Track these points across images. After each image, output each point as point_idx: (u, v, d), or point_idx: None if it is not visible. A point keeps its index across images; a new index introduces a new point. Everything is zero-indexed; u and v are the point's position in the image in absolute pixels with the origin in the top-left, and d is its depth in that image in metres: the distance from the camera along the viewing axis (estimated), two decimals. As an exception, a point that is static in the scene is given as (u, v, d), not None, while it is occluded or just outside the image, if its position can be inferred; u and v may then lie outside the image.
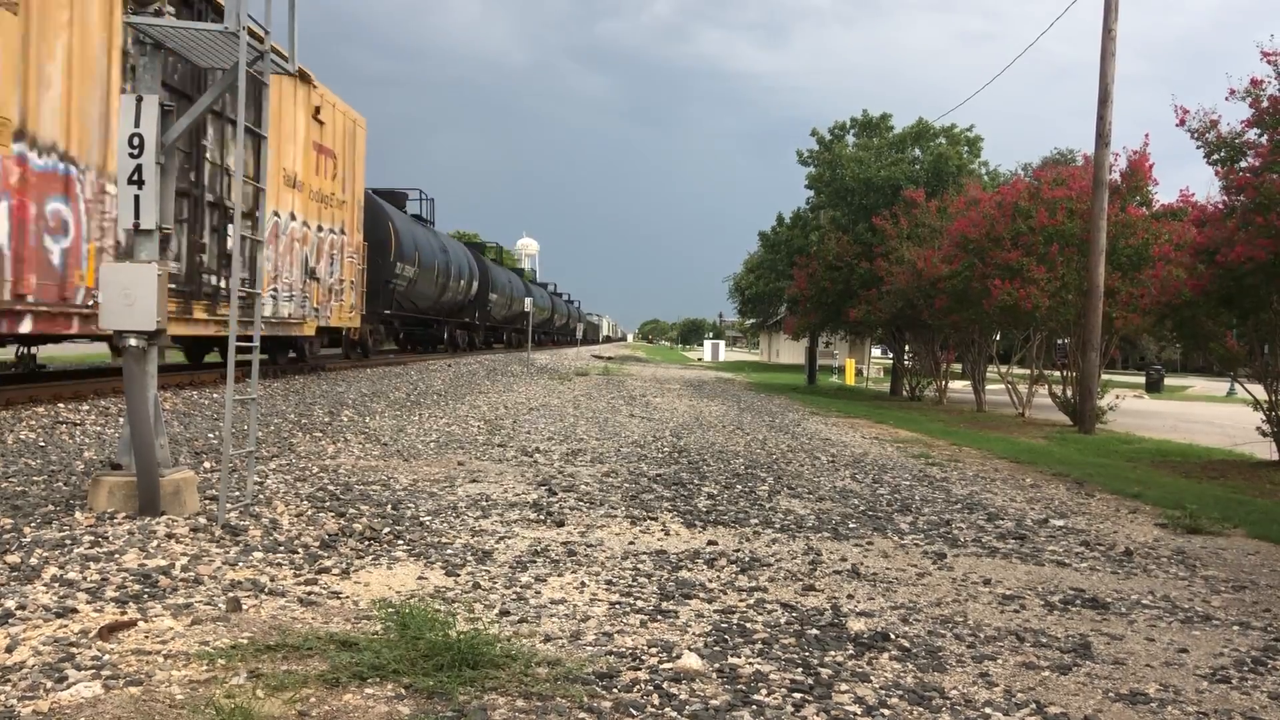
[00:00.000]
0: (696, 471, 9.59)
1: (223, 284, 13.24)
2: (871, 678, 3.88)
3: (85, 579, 4.51)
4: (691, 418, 16.24)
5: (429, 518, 6.55)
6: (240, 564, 5.00)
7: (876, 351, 48.58)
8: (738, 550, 6.12)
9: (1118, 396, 21.18)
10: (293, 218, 16.07)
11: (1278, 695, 3.95)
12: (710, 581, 5.30)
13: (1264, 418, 13.88)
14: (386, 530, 6.04)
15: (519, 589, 4.92)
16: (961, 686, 3.85)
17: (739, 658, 4.03)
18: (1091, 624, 4.87)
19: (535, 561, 5.53)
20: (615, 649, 4.06)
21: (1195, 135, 13.77)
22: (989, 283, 19.79)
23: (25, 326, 9.66)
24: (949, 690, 3.79)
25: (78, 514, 5.74)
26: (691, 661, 3.87)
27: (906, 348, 29.83)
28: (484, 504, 7.19)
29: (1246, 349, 14.48)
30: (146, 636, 3.86)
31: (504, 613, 4.50)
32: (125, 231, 5.98)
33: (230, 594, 4.46)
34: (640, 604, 4.77)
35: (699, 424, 15.11)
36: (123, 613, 4.12)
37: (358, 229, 20.40)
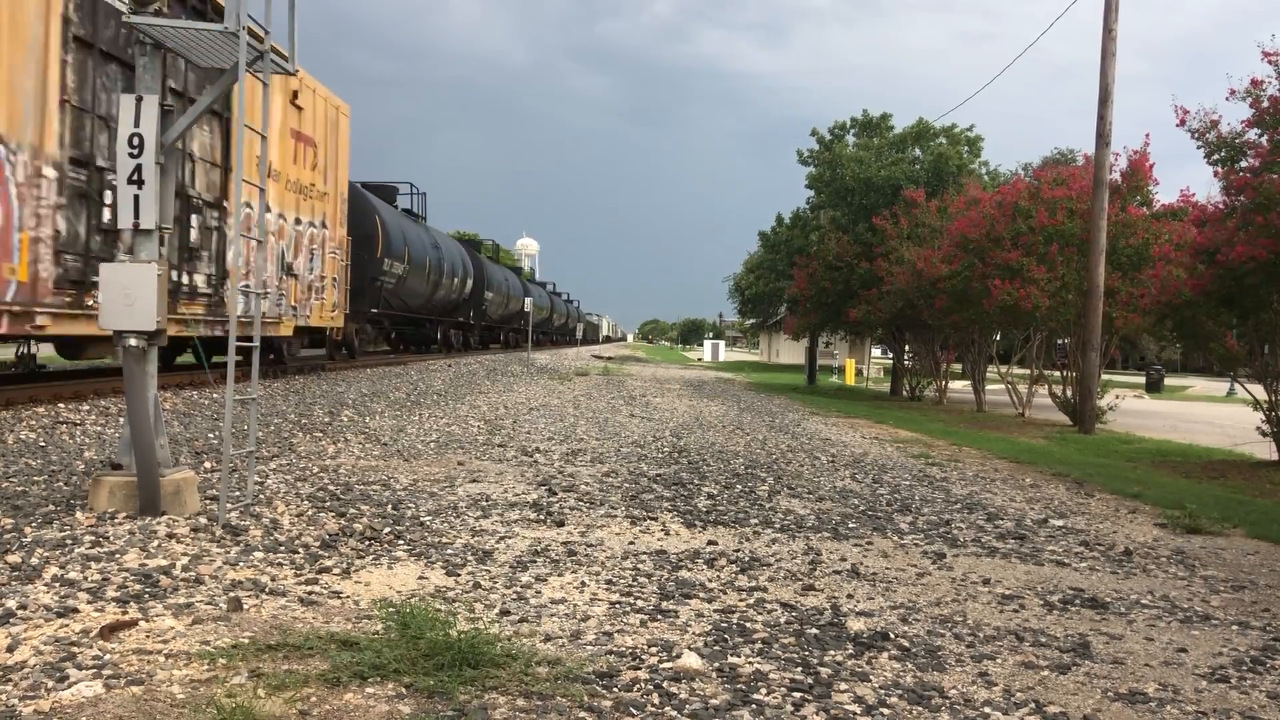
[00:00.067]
0: (696, 471, 9.60)
1: (185, 279, 12.37)
2: (871, 677, 3.88)
3: (86, 579, 4.52)
4: (691, 418, 16.25)
5: (429, 518, 6.56)
6: (241, 564, 5.00)
7: (876, 351, 48.60)
8: (738, 550, 6.12)
9: (1118, 396, 21.19)
10: (267, 209, 15.10)
11: (1276, 695, 3.95)
12: (710, 581, 5.31)
13: (1264, 418, 13.89)
14: (387, 530, 6.05)
15: (519, 589, 4.93)
16: (961, 686, 3.85)
17: (739, 657, 4.04)
18: (1091, 624, 4.88)
19: (535, 561, 5.53)
20: (615, 648, 4.06)
21: (1195, 135, 13.77)
22: (989, 283, 19.80)
23: None
24: (948, 690, 3.80)
25: (78, 514, 5.75)
26: (691, 661, 3.88)
27: (906, 348, 29.83)
28: (484, 504, 7.20)
29: (1246, 349, 14.48)
30: (147, 636, 3.86)
31: (504, 612, 4.50)
32: (126, 230, 5.97)
33: (231, 594, 4.46)
34: (640, 604, 4.77)
35: (699, 424, 15.11)
36: (124, 612, 4.13)
37: (341, 223, 19.31)
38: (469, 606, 4.55)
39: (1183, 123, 13.88)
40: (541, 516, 6.85)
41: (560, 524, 6.65)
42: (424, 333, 32.01)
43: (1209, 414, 26.65)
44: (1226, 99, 13.30)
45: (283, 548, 5.39)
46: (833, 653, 4.16)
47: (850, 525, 7.18)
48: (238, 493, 6.68)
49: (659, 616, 4.58)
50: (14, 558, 4.74)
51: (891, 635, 4.44)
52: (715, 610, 4.74)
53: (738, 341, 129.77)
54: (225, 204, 13.43)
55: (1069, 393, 20.13)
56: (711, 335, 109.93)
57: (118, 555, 4.92)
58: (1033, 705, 3.68)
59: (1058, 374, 22.11)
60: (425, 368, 24.21)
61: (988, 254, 20.39)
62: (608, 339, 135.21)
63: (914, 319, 25.35)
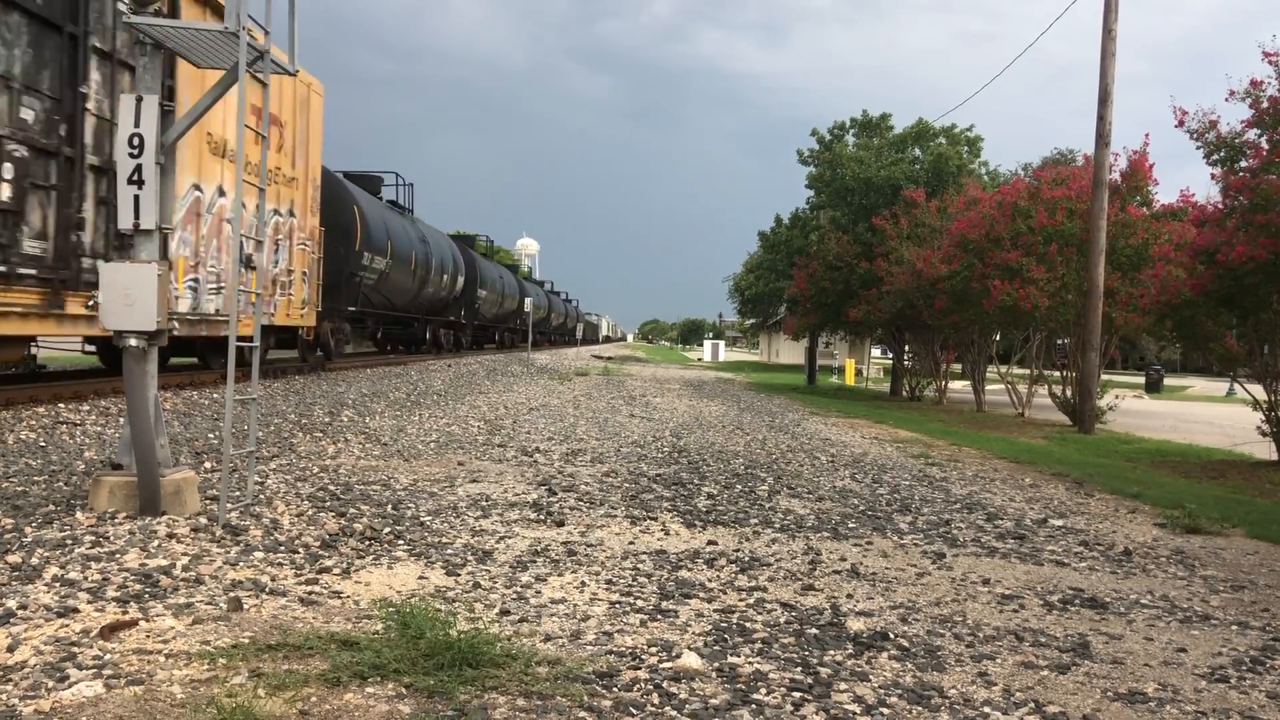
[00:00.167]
0: (696, 471, 9.60)
1: None
2: (871, 677, 3.89)
3: (86, 579, 4.52)
4: (691, 418, 16.25)
5: (429, 517, 6.56)
6: (241, 564, 5.01)
7: (876, 351, 48.60)
8: (737, 550, 6.12)
9: (1117, 396, 21.19)
10: (221, 194, 13.56)
11: (1276, 695, 3.96)
12: (710, 581, 5.31)
13: (1263, 418, 13.89)
14: (387, 530, 6.05)
15: (519, 589, 4.93)
16: (960, 686, 3.86)
17: (739, 657, 4.04)
18: (1090, 623, 4.88)
19: (535, 561, 5.53)
20: (615, 648, 4.07)
21: (1194, 136, 13.78)
22: (989, 283, 19.80)
23: None
24: (948, 689, 3.80)
25: (79, 514, 5.75)
26: (691, 661, 3.88)
27: (906, 348, 29.84)
28: (484, 504, 7.20)
29: (1246, 349, 14.49)
30: (148, 636, 3.86)
31: (504, 612, 4.51)
32: (126, 230, 5.97)
33: (231, 593, 4.47)
34: (640, 603, 4.78)
35: (699, 424, 15.11)
36: (124, 612, 4.13)
37: (312, 211, 17.64)
38: (469, 606, 4.55)
39: (1181, 124, 13.88)
40: (541, 516, 6.85)
41: (560, 524, 6.65)
42: (412, 332, 30.17)
43: (1209, 414, 26.65)
44: (1226, 99, 13.32)
45: (283, 548, 5.39)
46: (832, 653, 4.16)
47: (850, 525, 7.18)
48: (238, 493, 6.68)
49: (659, 616, 4.58)
50: (14, 558, 4.74)
51: (891, 635, 4.44)
52: (715, 610, 4.74)
53: (737, 342, 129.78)
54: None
55: (1069, 393, 20.13)
56: (711, 335, 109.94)
57: (118, 555, 4.92)
58: (1032, 705, 3.68)
59: (1057, 374, 22.12)
60: (425, 368, 24.21)
61: (987, 254, 20.39)
62: (607, 339, 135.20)
63: (914, 319, 25.36)
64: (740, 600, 4.95)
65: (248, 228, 14.10)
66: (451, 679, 3.52)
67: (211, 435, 9.75)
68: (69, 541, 5.09)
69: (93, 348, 14.26)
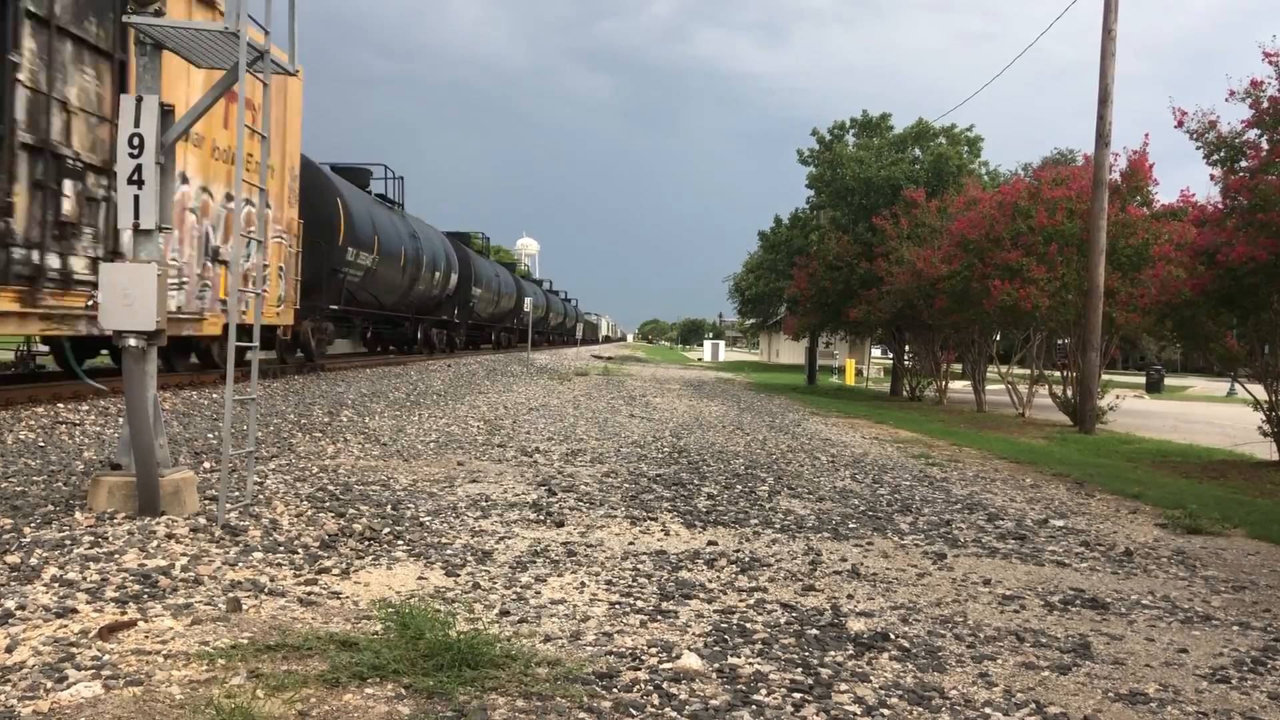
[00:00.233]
0: (696, 472, 9.59)
1: (56, 263, 9.85)
2: (871, 678, 3.88)
3: (85, 579, 4.51)
4: (691, 418, 16.24)
5: (429, 518, 6.55)
6: (240, 564, 5.00)
7: (876, 351, 48.60)
8: (738, 550, 6.12)
9: (1118, 396, 21.18)
10: (184, 180, 12.46)
11: (1277, 695, 3.95)
12: (710, 582, 5.30)
13: (1264, 418, 13.88)
14: (386, 530, 6.04)
15: (519, 589, 4.92)
16: (961, 686, 3.85)
17: (739, 658, 4.03)
18: (1091, 624, 4.87)
19: (535, 562, 5.53)
20: (615, 649, 4.06)
21: (1194, 136, 13.77)
22: (989, 283, 19.80)
23: None
24: (949, 690, 3.79)
25: (77, 514, 5.74)
26: (691, 661, 3.88)
27: (906, 348, 29.84)
28: (484, 504, 7.19)
29: (1246, 349, 14.48)
30: (146, 636, 3.86)
31: (504, 613, 4.50)
32: (126, 230, 5.96)
33: (230, 594, 4.46)
34: (640, 604, 4.77)
35: (699, 424, 15.11)
36: (123, 613, 4.12)
37: (290, 203, 16.57)
38: (468, 607, 4.54)
39: (1181, 124, 13.88)
40: (541, 517, 6.84)
41: (560, 524, 6.64)
42: (402, 332, 28.91)
43: (1209, 414, 26.65)
44: (1226, 100, 13.32)
45: (282, 548, 5.38)
46: (833, 653, 4.16)
47: (850, 525, 7.17)
48: (237, 493, 6.67)
49: (659, 617, 4.57)
50: (13, 558, 4.74)
51: (892, 636, 4.44)
52: (715, 611, 4.73)
53: (738, 341, 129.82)
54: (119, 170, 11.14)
55: (1069, 393, 20.13)
56: (711, 335, 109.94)
57: (117, 555, 4.91)
58: (1033, 706, 3.67)
59: (1058, 374, 22.12)
60: (424, 368, 24.20)
61: (987, 254, 20.39)
62: (607, 339, 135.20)
63: (914, 319, 25.35)
64: (740, 601, 4.94)
65: (213, 218, 13.20)
66: (451, 680, 3.51)
67: (210, 435, 9.74)
68: (68, 542, 5.08)
69: (44, 348, 13.33)
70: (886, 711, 3.54)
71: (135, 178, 5.81)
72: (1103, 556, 6.57)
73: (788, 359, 66.20)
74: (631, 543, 6.22)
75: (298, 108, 16.70)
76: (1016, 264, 19.58)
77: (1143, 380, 41.89)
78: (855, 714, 3.51)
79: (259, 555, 5.19)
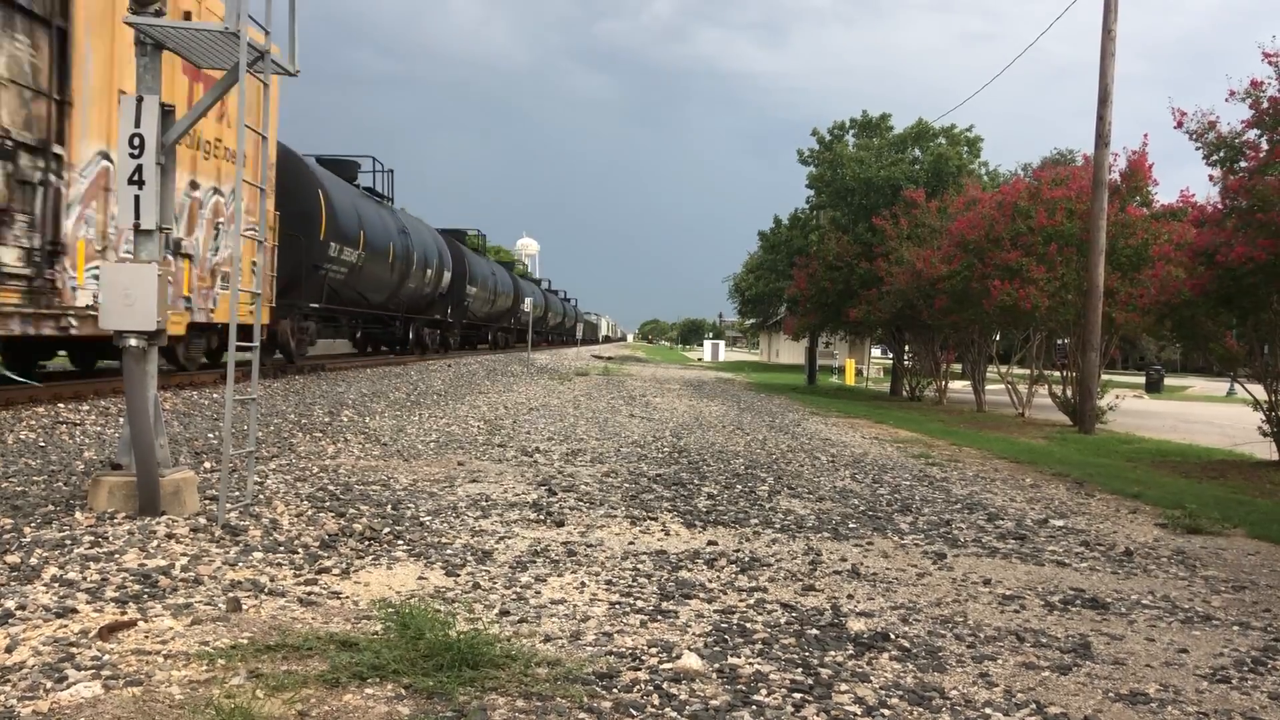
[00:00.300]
0: (696, 471, 9.59)
1: None
2: (871, 678, 3.88)
3: (85, 579, 4.51)
4: (691, 418, 16.24)
5: (429, 518, 6.55)
6: (240, 564, 5.00)
7: (876, 351, 48.61)
8: (738, 550, 6.12)
9: (1117, 396, 21.19)
10: None
11: (1277, 695, 3.95)
12: (710, 581, 5.30)
13: (1264, 418, 13.88)
14: (386, 530, 6.04)
15: (519, 589, 4.92)
16: (961, 686, 3.85)
17: (739, 658, 4.03)
18: (1091, 624, 4.87)
19: (535, 561, 5.53)
20: (615, 649, 4.06)
21: (1194, 137, 13.77)
22: (988, 283, 19.80)
23: None
24: (949, 690, 3.79)
25: (78, 514, 5.74)
26: (691, 661, 3.88)
27: (906, 348, 29.85)
28: (484, 504, 7.19)
29: (1246, 349, 14.48)
30: (146, 636, 3.86)
31: (504, 613, 4.50)
32: (126, 230, 5.96)
33: (230, 594, 4.46)
34: (640, 604, 4.77)
35: (699, 424, 15.11)
36: (123, 613, 4.12)
37: (266, 194, 15.49)
38: (468, 607, 4.54)
39: (1180, 124, 13.88)
40: (541, 517, 6.84)
41: (560, 524, 6.64)
42: (392, 331, 27.71)
43: (1209, 414, 26.65)
44: (1226, 100, 13.32)
45: (282, 548, 5.38)
46: (833, 653, 4.16)
47: (850, 525, 7.17)
48: (237, 493, 6.67)
49: (659, 617, 4.57)
50: (13, 558, 4.74)
51: (892, 636, 4.44)
52: (715, 611, 4.73)
53: (738, 342, 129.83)
54: (59, 149, 9.84)
55: (1069, 393, 20.13)
56: (711, 335, 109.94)
57: (117, 555, 4.91)
58: (1033, 706, 3.67)
59: (1058, 374, 22.12)
60: (425, 368, 24.20)
61: (987, 254, 20.39)
62: (607, 339, 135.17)
63: (914, 319, 25.35)
64: (740, 601, 4.94)
65: (178, 208, 11.87)
66: (451, 680, 3.51)
67: (211, 435, 9.74)
68: (68, 542, 5.08)
69: None
70: (887, 711, 3.54)
71: (136, 178, 5.82)
72: (1103, 556, 6.57)
73: (788, 359, 66.20)
74: (631, 542, 6.22)
75: (274, 92, 15.12)
76: (1016, 264, 19.58)
77: (1142, 380, 41.90)
78: (855, 714, 3.51)
79: (259, 555, 5.19)
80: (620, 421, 14.66)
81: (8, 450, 8.04)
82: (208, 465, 7.84)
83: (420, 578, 5.05)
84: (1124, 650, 4.47)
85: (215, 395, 13.00)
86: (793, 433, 14.53)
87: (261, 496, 6.73)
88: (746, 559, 5.86)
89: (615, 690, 3.59)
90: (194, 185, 12.84)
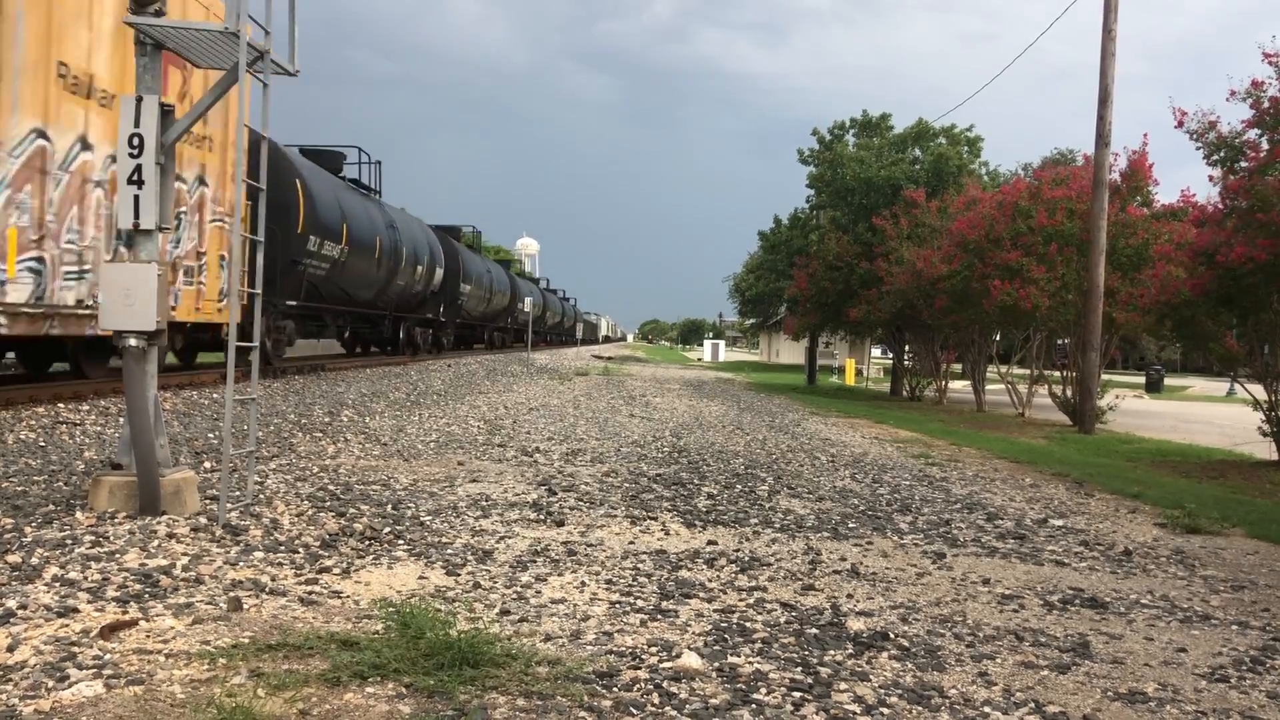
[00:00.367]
0: (696, 471, 9.60)
1: None
2: (871, 677, 3.89)
3: (86, 578, 4.52)
4: (691, 418, 16.25)
5: (429, 517, 6.56)
6: (241, 563, 5.01)
7: (876, 351, 48.62)
8: (737, 550, 6.12)
9: (1117, 396, 21.20)
10: (85, 145, 10.17)
11: (1276, 694, 3.96)
12: (710, 581, 5.31)
13: (1264, 418, 13.89)
14: (387, 530, 6.05)
15: (519, 588, 4.93)
16: (961, 685, 3.86)
17: (739, 657, 4.04)
18: (1090, 623, 4.88)
19: (535, 561, 5.53)
20: (615, 648, 4.06)
21: (1194, 136, 13.78)
22: (989, 283, 19.81)
23: None
24: (948, 689, 3.80)
25: (78, 514, 5.75)
26: (691, 661, 3.88)
27: (906, 348, 29.85)
28: (484, 504, 7.20)
29: (1246, 349, 14.49)
30: (148, 636, 3.86)
31: (504, 612, 4.50)
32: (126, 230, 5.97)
33: (231, 593, 4.47)
34: (640, 603, 4.78)
35: (699, 424, 15.11)
36: (124, 612, 4.13)
37: (234, 181, 13.24)
38: (469, 606, 4.55)
39: (1181, 124, 13.89)
40: (541, 516, 6.85)
41: (560, 524, 6.65)
42: (381, 331, 26.38)
43: (1209, 414, 26.65)
44: (1227, 100, 13.33)
45: (283, 547, 5.39)
46: (832, 652, 4.16)
47: (850, 525, 7.18)
48: (238, 493, 6.68)
49: (659, 616, 4.58)
50: (14, 557, 4.74)
51: (891, 635, 4.44)
52: (715, 610, 4.74)
53: (738, 342, 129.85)
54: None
55: (1069, 393, 20.13)
56: (711, 335, 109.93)
57: (118, 555, 4.92)
58: (1032, 705, 3.68)
59: (1058, 374, 22.12)
60: (425, 368, 24.20)
61: (987, 254, 20.40)
62: (607, 339, 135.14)
63: (914, 319, 25.36)
64: (740, 600, 4.95)
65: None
66: (451, 679, 3.52)
67: (211, 435, 9.75)
68: (69, 541, 5.09)
69: None
70: (886, 710, 3.55)
71: (135, 178, 5.82)
72: (1102, 556, 6.58)
73: (788, 359, 66.20)
74: (631, 542, 6.22)
75: (244, 60, 13.68)
76: (1016, 264, 19.58)
77: (1142, 380, 41.91)
78: (855, 713, 3.52)
79: (260, 555, 5.20)
80: (620, 421, 14.67)
81: (8, 450, 8.05)
82: (208, 465, 7.85)
83: (421, 577, 5.06)
84: (1123, 649, 4.47)
85: (215, 395, 13.01)
86: (792, 433, 14.53)
87: (262, 496, 6.74)
88: (746, 558, 5.86)
89: (615, 689, 3.59)
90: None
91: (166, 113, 5.95)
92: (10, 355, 13.76)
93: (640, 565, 5.59)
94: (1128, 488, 10.03)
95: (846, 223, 30.24)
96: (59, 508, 5.95)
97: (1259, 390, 14.13)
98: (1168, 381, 45.70)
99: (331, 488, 7.36)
